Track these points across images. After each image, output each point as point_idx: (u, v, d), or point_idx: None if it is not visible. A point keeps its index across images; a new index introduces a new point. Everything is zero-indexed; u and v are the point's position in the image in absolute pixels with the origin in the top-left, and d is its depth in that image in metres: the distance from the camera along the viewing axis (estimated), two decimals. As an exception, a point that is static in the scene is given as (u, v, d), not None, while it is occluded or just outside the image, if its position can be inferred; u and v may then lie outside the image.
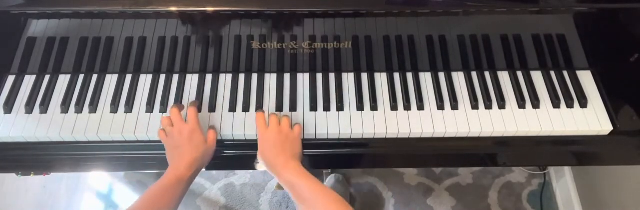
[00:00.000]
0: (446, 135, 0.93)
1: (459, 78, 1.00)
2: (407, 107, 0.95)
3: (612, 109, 0.95)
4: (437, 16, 0.91)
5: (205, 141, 0.88)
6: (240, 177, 1.74)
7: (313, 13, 0.89)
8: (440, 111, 0.95)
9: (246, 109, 0.95)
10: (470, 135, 0.93)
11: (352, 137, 0.93)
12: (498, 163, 1.00)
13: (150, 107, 0.95)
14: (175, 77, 0.99)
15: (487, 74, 1.00)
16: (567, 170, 1.62)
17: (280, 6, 0.87)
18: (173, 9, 0.86)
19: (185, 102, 0.96)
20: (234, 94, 0.97)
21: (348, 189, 1.66)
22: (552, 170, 1.72)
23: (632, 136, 0.93)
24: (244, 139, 0.93)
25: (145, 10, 0.87)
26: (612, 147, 0.95)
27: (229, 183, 1.72)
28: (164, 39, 0.94)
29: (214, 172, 1.73)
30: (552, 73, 1.00)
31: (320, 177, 1.69)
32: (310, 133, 0.92)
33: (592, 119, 0.94)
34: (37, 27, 0.91)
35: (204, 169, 0.91)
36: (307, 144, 0.91)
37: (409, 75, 1.00)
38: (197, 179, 1.71)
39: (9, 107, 0.95)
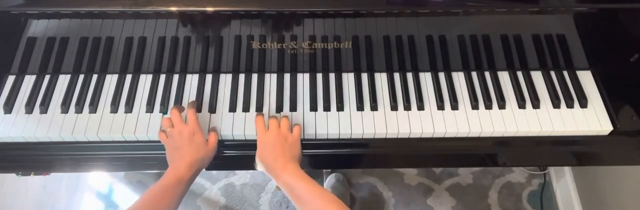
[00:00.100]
0: (446, 135, 0.93)
1: (459, 78, 1.00)
2: (407, 107, 0.95)
3: (612, 109, 0.95)
4: (437, 16, 0.91)
5: (205, 143, 0.88)
6: (240, 177, 1.74)
7: (313, 13, 0.89)
8: (440, 111, 0.95)
9: (246, 109, 0.95)
10: (470, 135, 0.93)
11: (352, 137, 0.93)
12: (498, 163, 1.00)
13: (150, 107, 0.95)
14: (175, 77, 0.99)
15: (487, 74, 1.00)
16: (567, 170, 1.62)
17: (280, 6, 0.87)
18: (173, 9, 0.86)
19: (185, 102, 0.96)
20: (234, 94, 0.97)
21: (348, 189, 1.66)
22: (552, 170, 1.72)
23: (632, 136, 0.93)
24: (244, 139, 0.93)
25: (145, 10, 0.87)
26: (612, 147, 0.95)
27: (229, 183, 1.72)
28: (164, 39, 0.94)
29: (214, 172, 1.73)
30: (552, 73, 1.00)
31: (321, 177, 1.69)
32: (310, 133, 0.92)
33: (592, 119, 0.94)
34: (37, 27, 0.91)
35: (204, 169, 0.91)
36: (307, 144, 0.91)
37: (409, 75, 1.00)
38: (197, 179, 1.71)
39: (9, 107, 0.95)
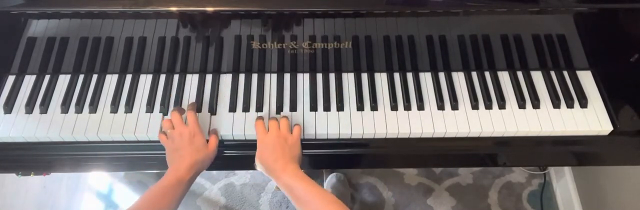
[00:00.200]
0: (446, 135, 0.93)
1: (459, 78, 1.00)
2: (407, 107, 0.95)
3: (612, 109, 0.95)
4: (437, 16, 0.91)
5: (206, 144, 0.88)
6: (240, 177, 1.74)
7: (313, 13, 0.89)
8: (440, 111, 0.95)
9: (246, 109, 0.95)
10: (470, 135, 0.93)
11: (352, 137, 0.93)
12: (498, 163, 1.00)
13: (150, 107, 0.95)
14: (176, 77, 0.99)
15: (487, 74, 1.00)
16: (567, 170, 1.62)
17: (280, 6, 0.87)
18: (173, 9, 0.86)
19: (185, 102, 0.96)
20: (234, 94, 0.97)
21: (349, 189, 1.66)
22: (552, 170, 1.72)
23: (632, 136, 0.93)
24: (244, 139, 0.93)
25: (145, 10, 0.87)
26: (612, 147, 0.95)
27: (229, 183, 1.72)
28: (164, 39, 0.94)
29: (214, 172, 1.73)
30: (552, 73, 1.00)
31: (321, 177, 1.69)
32: (310, 133, 0.92)
33: (592, 119, 0.94)
34: (37, 27, 0.91)
35: (205, 169, 0.91)
36: (307, 144, 0.91)
37: (409, 75, 1.00)
38: (197, 179, 1.71)
39: (9, 107, 0.95)
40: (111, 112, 0.95)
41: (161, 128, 0.92)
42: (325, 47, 0.95)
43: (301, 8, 0.88)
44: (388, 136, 0.93)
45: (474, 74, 1.00)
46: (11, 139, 0.92)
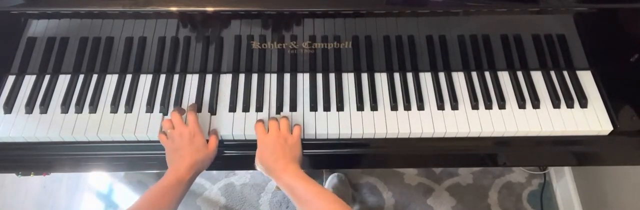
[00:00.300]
0: (446, 135, 0.93)
1: (459, 78, 1.00)
2: (407, 107, 0.95)
3: (612, 109, 0.95)
4: (437, 16, 0.91)
5: (206, 144, 0.88)
6: (240, 177, 1.74)
7: (313, 13, 0.89)
8: (440, 111, 0.95)
9: (246, 109, 0.95)
10: (470, 135, 0.93)
11: (352, 137, 0.93)
12: (498, 163, 1.00)
13: (150, 107, 0.95)
14: (176, 77, 0.99)
15: (487, 74, 1.00)
16: (567, 170, 1.62)
17: (280, 6, 0.87)
18: (173, 9, 0.86)
19: (185, 102, 0.96)
20: (234, 94, 0.97)
21: (349, 189, 1.66)
22: (552, 170, 1.72)
23: (632, 136, 0.93)
24: (244, 139, 0.93)
25: (145, 10, 0.87)
26: (612, 147, 0.95)
27: (229, 183, 1.72)
28: (164, 39, 0.94)
29: (214, 172, 1.73)
30: (552, 73, 1.00)
31: (321, 177, 1.69)
32: (310, 133, 0.92)
33: (592, 119, 0.94)
34: (37, 27, 0.91)
35: (205, 169, 0.91)
36: (307, 144, 0.91)
37: (409, 75, 1.00)
38: (197, 179, 1.71)
39: (9, 107, 0.95)
40: (111, 112, 0.95)
41: (161, 128, 0.92)
42: (325, 47, 0.95)
43: (301, 8, 0.88)
44: (388, 136, 0.93)
45: (474, 74, 1.00)
46: (11, 139, 0.92)
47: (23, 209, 1.39)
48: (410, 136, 0.93)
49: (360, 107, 0.95)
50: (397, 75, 1.00)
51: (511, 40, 0.96)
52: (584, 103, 0.96)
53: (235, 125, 0.93)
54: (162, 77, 0.99)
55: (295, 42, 0.94)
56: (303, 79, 0.99)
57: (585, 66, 1.01)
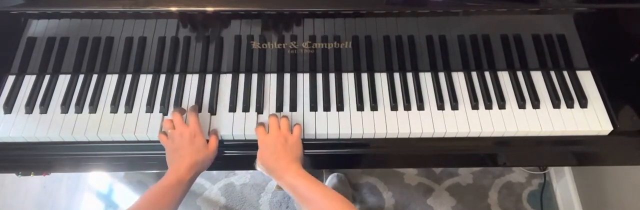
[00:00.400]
0: (446, 135, 0.93)
1: (459, 78, 1.00)
2: (407, 107, 0.95)
3: (612, 109, 0.95)
4: (437, 16, 0.91)
5: (206, 145, 0.88)
6: (240, 177, 1.74)
7: (313, 13, 0.89)
8: (440, 111, 0.95)
9: (246, 109, 0.95)
10: (470, 135, 0.93)
11: (352, 137, 0.93)
12: (498, 163, 1.00)
13: (150, 107, 0.95)
14: (176, 77, 0.99)
15: (487, 74, 1.00)
16: (567, 170, 1.62)
17: (280, 6, 0.87)
18: (173, 9, 0.86)
19: (185, 102, 0.96)
20: (234, 94, 0.97)
21: (349, 189, 1.66)
22: (552, 170, 1.72)
23: (632, 136, 0.93)
24: (244, 139, 0.93)
25: (145, 10, 0.87)
26: (612, 147, 0.95)
27: (229, 183, 1.72)
28: (164, 39, 0.94)
29: (214, 172, 1.73)
30: (552, 73, 1.00)
31: (321, 177, 1.69)
32: (310, 133, 0.92)
33: (592, 119, 0.94)
34: (37, 27, 0.91)
35: (205, 169, 0.91)
36: (307, 144, 0.91)
37: (409, 75, 1.00)
38: (197, 179, 1.70)
39: (9, 107, 0.95)
40: (111, 112, 0.95)
41: (161, 128, 0.92)
42: (325, 47, 0.95)
43: (301, 8, 0.88)
44: (388, 136, 0.93)
45: (474, 74, 1.00)
46: (11, 139, 0.92)
47: (23, 209, 1.39)
48: (410, 136, 0.93)
49: (360, 107, 0.95)
50: (397, 75, 1.00)
51: (511, 40, 0.96)
52: (584, 103, 0.96)
53: (235, 125, 0.93)
54: (162, 77, 0.99)
55: (295, 42, 0.94)
56: (303, 79, 0.99)
57: (585, 66, 1.01)
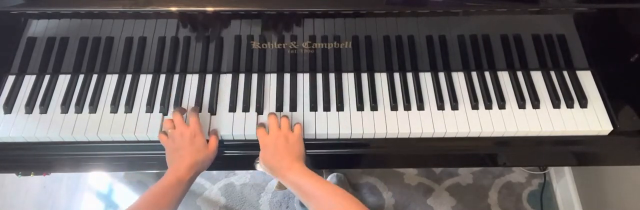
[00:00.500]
0: (446, 135, 0.93)
1: (459, 78, 1.00)
2: (407, 107, 0.95)
3: (612, 109, 0.95)
4: (437, 16, 0.91)
5: (206, 145, 0.88)
6: (240, 177, 1.74)
7: (313, 13, 0.89)
8: (440, 111, 0.95)
9: (246, 109, 0.95)
10: (470, 135, 0.93)
11: (352, 137, 0.93)
12: (498, 163, 1.00)
13: (150, 107, 0.95)
14: (176, 77, 0.99)
15: (487, 74, 1.00)
16: (567, 170, 1.62)
17: (280, 6, 0.87)
18: (173, 9, 0.86)
19: (185, 102, 0.96)
20: (234, 94, 0.97)
21: (349, 189, 1.66)
22: (552, 170, 1.72)
23: (632, 136, 0.93)
24: (244, 139, 0.93)
25: (145, 10, 0.87)
26: (612, 147, 0.95)
27: (229, 183, 1.72)
28: (164, 39, 0.94)
29: (214, 172, 1.73)
30: (552, 73, 1.00)
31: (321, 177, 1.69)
32: (310, 133, 0.92)
33: (592, 119, 0.94)
34: (37, 27, 0.91)
35: (205, 169, 0.91)
36: (307, 144, 0.91)
37: (409, 75, 1.00)
38: (197, 179, 1.70)
39: (9, 107, 0.95)
40: (111, 112, 0.95)
41: (161, 128, 0.92)
42: (325, 47, 0.95)
43: (301, 8, 0.88)
44: (388, 136, 0.93)
45: (474, 74, 1.00)
46: (11, 139, 0.92)
47: (23, 209, 1.39)
48: (410, 136, 0.93)
49: (360, 107, 0.95)
50: (397, 75, 1.00)
51: (511, 40, 0.96)
52: (583, 103, 0.96)
53: (235, 125, 0.93)
54: (162, 77, 0.99)
55: (295, 42, 0.94)
56: (303, 79, 0.99)
57: (585, 66, 1.01)
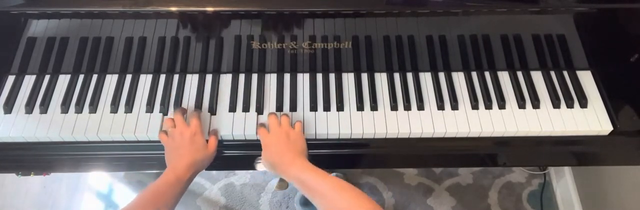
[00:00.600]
0: (446, 135, 0.93)
1: (459, 78, 1.00)
2: (407, 107, 0.95)
3: (612, 109, 0.95)
4: (437, 16, 0.91)
5: (205, 144, 0.88)
6: (240, 177, 1.74)
7: (313, 13, 0.89)
8: (440, 111, 0.95)
9: (246, 109, 0.95)
10: (470, 135, 0.93)
11: (352, 137, 0.93)
12: (498, 163, 1.00)
13: (150, 107, 0.95)
14: (176, 77, 0.99)
15: (487, 74, 1.00)
16: (567, 170, 1.62)
17: (280, 6, 0.87)
18: (173, 9, 0.86)
19: (185, 102, 0.96)
20: (234, 94, 0.97)
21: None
22: (552, 170, 1.72)
23: (632, 136, 0.93)
24: (243, 139, 0.93)
25: (145, 10, 0.87)
26: (612, 147, 0.95)
27: (229, 183, 1.72)
28: (164, 39, 0.94)
29: (214, 172, 1.73)
30: (552, 73, 1.00)
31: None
32: (310, 133, 0.92)
33: (592, 119, 0.94)
34: (37, 27, 0.91)
35: (204, 169, 0.91)
36: (307, 144, 0.91)
37: (409, 75, 1.00)
38: (197, 179, 1.71)
39: (9, 107, 0.95)
40: (111, 112, 0.95)
41: (161, 128, 0.92)
42: (325, 47, 0.95)
43: (301, 8, 0.88)
44: (388, 136, 0.93)
45: (474, 74, 1.00)
46: (11, 139, 0.92)
47: (23, 209, 1.39)
48: (410, 136, 0.93)
49: (360, 107, 0.95)
50: (397, 75, 1.00)
51: (511, 40, 0.96)
52: (583, 103, 0.96)
53: (235, 125, 0.93)
54: (162, 77, 0.99)
55: (295, 42, 0.94)
56: (303, 79, 0.99)
57: (585, 66, 1.01)
